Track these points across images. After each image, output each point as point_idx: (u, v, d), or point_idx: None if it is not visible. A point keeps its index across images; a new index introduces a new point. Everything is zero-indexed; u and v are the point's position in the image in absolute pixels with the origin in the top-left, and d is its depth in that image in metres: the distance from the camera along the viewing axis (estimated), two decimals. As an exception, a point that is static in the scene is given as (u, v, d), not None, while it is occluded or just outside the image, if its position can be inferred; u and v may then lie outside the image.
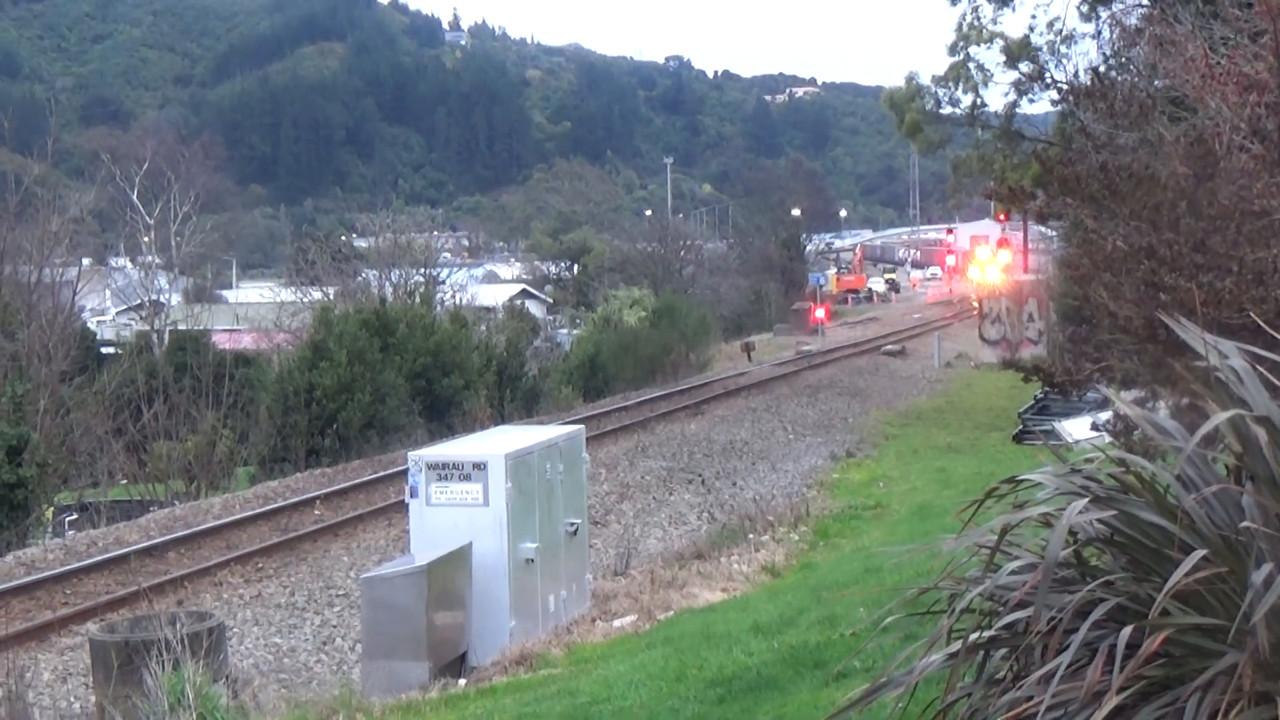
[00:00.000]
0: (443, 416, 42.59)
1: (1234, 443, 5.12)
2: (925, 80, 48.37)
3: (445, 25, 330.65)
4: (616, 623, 16.05)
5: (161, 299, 65.43)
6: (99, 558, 23.45)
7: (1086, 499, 5.03)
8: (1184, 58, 16.34)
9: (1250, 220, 12.77)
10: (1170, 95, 18.61)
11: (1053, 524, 4.98)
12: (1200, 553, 4.64)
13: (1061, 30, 44.43)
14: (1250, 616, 4.47)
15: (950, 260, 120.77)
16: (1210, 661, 4.58)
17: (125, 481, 38.19)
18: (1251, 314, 9.89)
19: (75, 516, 33.04)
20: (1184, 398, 11.22)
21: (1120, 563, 5.16)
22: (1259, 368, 5.28)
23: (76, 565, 22.86)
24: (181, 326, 57.59)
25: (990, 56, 45.98)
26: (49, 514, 31.89)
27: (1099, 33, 41.92)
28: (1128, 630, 4.54)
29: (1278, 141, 13.28)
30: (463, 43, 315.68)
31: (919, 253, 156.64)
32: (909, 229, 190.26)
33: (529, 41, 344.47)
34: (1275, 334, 5.74)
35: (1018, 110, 46.28)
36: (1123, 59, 30.25)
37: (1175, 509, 4.98)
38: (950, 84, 46.97)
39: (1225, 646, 4.61)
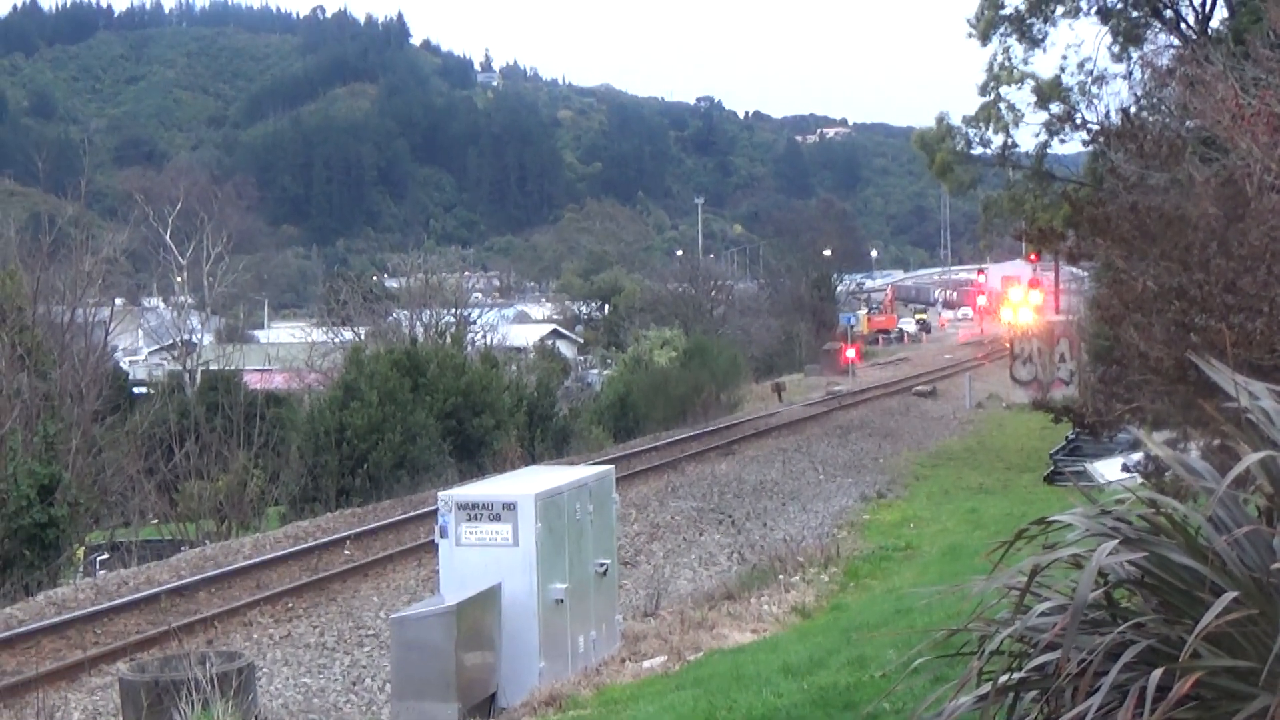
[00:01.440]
0: (473, 456, 42.57)
1: (1265, 484, 5.10)
2: (956, 120, 48.31)
3: (477, 66, 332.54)
4: (646, 664, 16.01)
5: (193, 339, 65.66)
6: (129, 597, 23.48)
7: (1117, 540, 5.01)
8: (1215, 98, 16.35)
9: (1281, 261, 12.74)
10: (1201, 136, 18.60)
11: (1083, 565, 4.96)
12: (1231, 595, 4.62)
13: (1092, 71, 44.49)
14: (1282, 659, 4.45)
15: (981, 301, 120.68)
16: (1241, 704, 4.55)
17: (156, 521, 38.25)
18: (1283, 355, 9.86)
19: (106, 556, 33.09)
20: (1215, 439, 11.17)
21: (1151, 604, 5.13)
22: (1290, 409, 5.26)
23: (107, 605, 22.88)
24: (213, 366, 57.73)
25: (1021, 97, 45.97)
26: (80, 553, 31.95)
27: (1130, 73, 42.06)
28: (1158, 673, 4.52)
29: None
30: (494, 83, 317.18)
31: (955, 293, 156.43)
32: (940, 269, 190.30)
33: (560, 82, 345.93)
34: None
35: (1049, 151, 46.27)
36: (1154, 99, 30.30)
37: (1206, 551, 4.96)
38: (981, 124, 46.89)
39: (1256, 689, 4.58)
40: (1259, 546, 5.03)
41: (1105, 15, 43.41)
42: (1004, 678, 5.07)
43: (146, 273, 79.28)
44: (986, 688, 5.06)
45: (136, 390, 55.68)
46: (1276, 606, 4.75)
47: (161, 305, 79.15)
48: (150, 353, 77.48)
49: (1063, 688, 4.83)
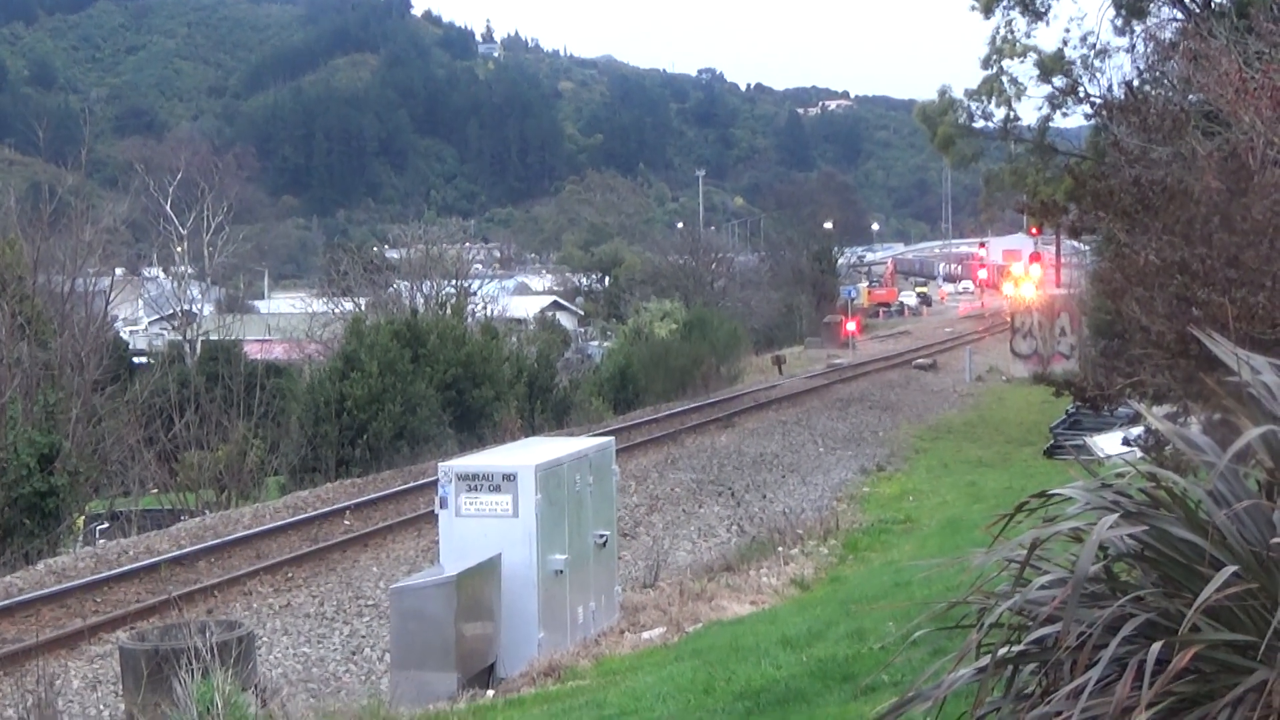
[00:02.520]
0: (473, 427, 42.59)
1: (1266, 458, 5.10)
2: (958, 94, 48.29)
3: (478, 37, 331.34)
4: (645, 635, 16.04)
5: (194, 309, 65.68)
6: (129, 566, 23.50)
7: (1117, 514, 5.01)
8: (1218, 72, 16.32)
9: (1284, 235, 12.72)
10: (1204, 109, 18.57)
11: (1083, 539, 4.96)
12: (1231, 569, 4.62)
13: (1095, 44, 44.38)
14: (1281, 633, 4.44)
15: (982, 274, 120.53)
16: (1240, 678, 4.55)
17: (156, 491, 38.25)
18: (1284, 329, 9.85)
19: (106, 525, 33.11)
20: (1216, 413, 11.17)
21: (1151, 578, 5.13)
22: (1291, 383, 5.25)
23: (107, 574, 22.91)
24: (213, 336, 57.76)
25: (1023, 70, 45.89)
26: (80, 522, 31.97)
27: (1133, 47, 41.94)
28: (1157, 646, 4.52)
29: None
30: (496, 54, 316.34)
31: (956, 267, 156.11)
32: (941, 243, 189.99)
33: (562, 53, 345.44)
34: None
35: (1051, 124, 46.22)
36: (1157, 73, 30.19)
37: (1206, 525, 4.95)
38: (983, 97, 46.86)
39: (1255, 663, 4.58)
40: (1259, 521, 5.02)
41: (1108, -12, 43.26)
42: (1003, 650, 5.07)
43: (147, 243, 79.23)
44: (985, 660, 5.06)
45: (137, 360, 55.75)
46: (1276, 581, 4.75)
47: (162, 275, 79.14)
48: (150, 323, 77.54)
49: (1062, 660, 4.83)
